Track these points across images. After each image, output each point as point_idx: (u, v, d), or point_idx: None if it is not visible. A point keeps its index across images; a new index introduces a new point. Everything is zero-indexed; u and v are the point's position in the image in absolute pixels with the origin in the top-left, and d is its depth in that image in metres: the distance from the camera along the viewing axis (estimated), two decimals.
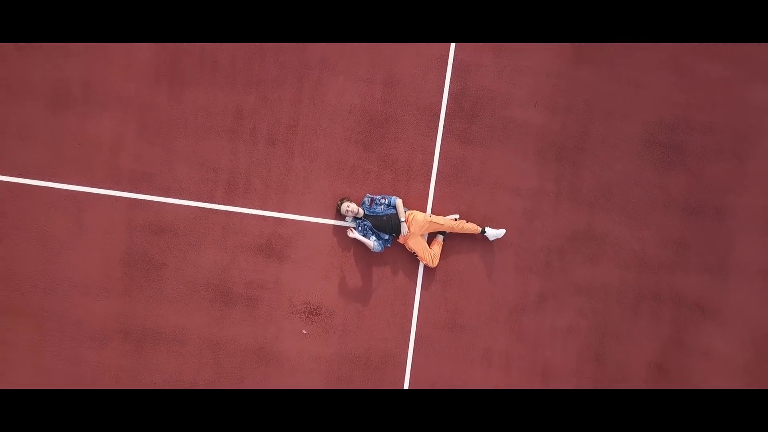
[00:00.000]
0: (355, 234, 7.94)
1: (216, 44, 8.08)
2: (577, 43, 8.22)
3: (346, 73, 8.19)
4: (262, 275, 8.18)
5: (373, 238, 7.98)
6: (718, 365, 8.45)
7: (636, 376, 8.42)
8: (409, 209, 8.13)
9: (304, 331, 8.24)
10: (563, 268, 8.35)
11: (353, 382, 8.26)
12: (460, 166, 8.27)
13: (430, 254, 8.15)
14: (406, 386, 8.31)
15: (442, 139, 8.25)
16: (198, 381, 8.21)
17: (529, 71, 8.27)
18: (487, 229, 8.20)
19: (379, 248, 7.99)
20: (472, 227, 8.15)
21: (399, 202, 8.00)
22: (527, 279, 8.34)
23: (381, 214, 7.99)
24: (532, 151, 8.29)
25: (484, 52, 8.24)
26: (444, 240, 8.27)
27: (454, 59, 8.23)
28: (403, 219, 7.94)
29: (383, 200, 8.04)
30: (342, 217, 8.18)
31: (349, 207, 7.95)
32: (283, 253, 8.18)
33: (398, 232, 7.99)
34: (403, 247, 8.20)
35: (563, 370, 8.40)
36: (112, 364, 8.18)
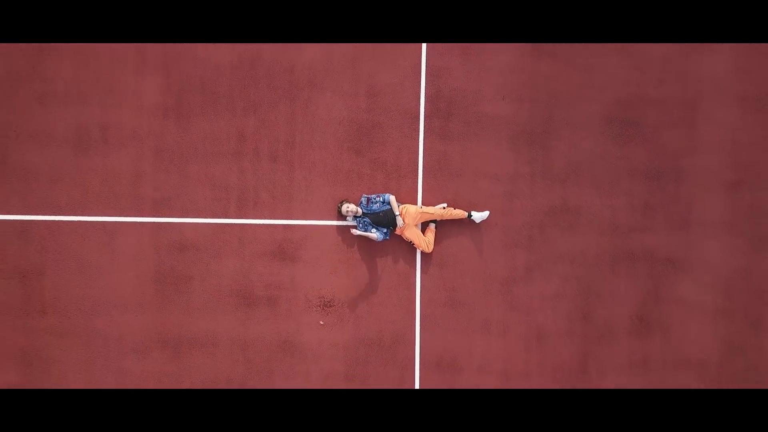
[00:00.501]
0: (358, 231, 8.93)
1: (214, 75, 9.06)
2: (534, 48, 9.21)
3: (332, 89, 9.17)
4: (278, 277, 9.18)
5: (374, 230, 8.98)
6: (692, 311, 9.45)
7: (621, 329, 9.42)
8: (402, 203, 9.12)
9: (321, 322, 9.24)
10: (545, 240, 9.34)
11: (369, 363, 9.26)
12: (443, 160, 9.26)
13: (425, 241, 9.15)
14: (416, 361, 9.31)
15: (423, 138, 9.24)
16: (232, 377, 9.22)
17: (494, 69, 9.25)
18: (472, 213, 9.19)
19: (382, 237, 8.99)
20: (460, 213, 9.15)
21: (392, 198, 8.99)
22: (514, 253, 9.34)
23: (378, 210, 8.98)
24: (505, 140, 9.28)
25: (453, 56, 9.22)
26: (436, 227, 9.27)
27: (426, 66, 9.21)
28: (397, 213, 8.94)
29: (378, 198, 9.03)
30: (343, 218, 9.17)
31: (349, 208, 8.94)
32: (294, 255, 9.18)
33: (395, 224, 8.98)
34: (401, 238, 9.19)
35: (555, 331, 9.40)
36: (155, 371, 9.18)
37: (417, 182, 9.26)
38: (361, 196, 9.13)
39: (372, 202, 9.03)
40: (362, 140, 9.21)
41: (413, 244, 9.13)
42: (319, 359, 9.25)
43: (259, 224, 9.16)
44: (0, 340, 9.03)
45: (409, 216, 8.99)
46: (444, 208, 9.19)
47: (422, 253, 9.28)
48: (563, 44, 9.23)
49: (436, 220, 9.22)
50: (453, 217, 9.14)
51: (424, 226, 9.31)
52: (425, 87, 9.21)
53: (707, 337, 9.49)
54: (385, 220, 8.97)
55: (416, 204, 9.25)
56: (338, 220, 9.22)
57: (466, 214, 9.17)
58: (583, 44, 9.26)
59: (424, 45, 9.17)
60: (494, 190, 9.30)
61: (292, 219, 9.17)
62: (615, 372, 9.42)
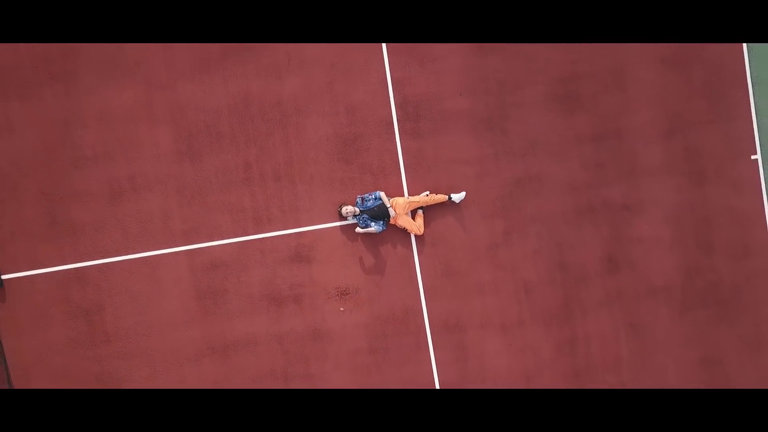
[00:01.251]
0: (360, 230, 10.55)
1: (214, 117, 10.67)
2: (480, 47, 10.80)
3: (315, 112, 10.79)
4: (299, 277, 10.82)
5: (373, 224, 10.60)
6: (651, 245, 11.08)
7: (593, 270, 11.05)
8: (391, 197, 10.74)
9: (341, 309, 10.88)
10: (516, 207, 10.97)
11: (387, 335, 10.90)
12: (419, 155, 10.88)
13: (416, 226, 10.78)
14: (427, 327, 10.94)
15: (400, 140, 10.86)
16: (275, 368, 10.86)
17: (449, 72, 10.87)
18: (452, 195, 10.82)
19: (380, 228, 10.61)
20: (441, 197, 10.78)
21: (382, 194, 10.61)
22: (492, 223, 10.97)
23: (372, 206, 10.60)
24: (468, 129, 10.90)
25: (412, 67, 10.83)
26: (423, 213, 10.90)
27: (391, 79, 10.82)
28: (388, 205, 10.56)
29: (370, 196, 10.65)
30: (344, 218, 10.79)
31: (347, 209, 10.57)
32: (309, 256, 10.82)
33: (388, 216, 10.61)
34: (396, 228, 10.82)
35: (539, 282, 11.03)
36: (210, 374, 10.82)
37: (401, 177, 10.88)
38: (356, 197, 10.74)
39: (366, 200, 10.64)
40: (348, 150, 10.83)
41: (407, 230, 10.76)
42: (345, 340, 10.89)
43: (275, 236, 10.79)
44: (76, 370, 10.66)
45: (399, 206, 10.62)
46: (427, 195, 10.80)
47: (416, 236, 10.90)
48: (504, 47, 10.84)
49: (422, 206, 10.84)
50: (436, 202, 10.77)
51: (414, 214, 10.93)
52: (393, 97, 10.83)
53: (668, 266, 11.12)
54: (380, 213, 10.59)
55: (403, 195, 10.87)
56: (340, 221, 10.84)
57: (447, 197, 10.80)
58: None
59: (387, 63, 10.78)
60: (466, 172, 10.92)
61: (301, 227, 10.80)
62: (595, 309, 11.06)
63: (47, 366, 10.60)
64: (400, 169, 10.88)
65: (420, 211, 10.88)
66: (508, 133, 10.93)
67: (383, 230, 10.69)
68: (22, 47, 10.45)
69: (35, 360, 10.58)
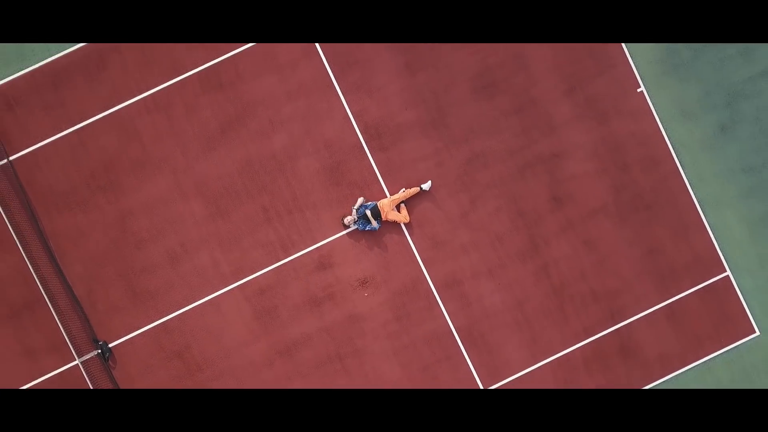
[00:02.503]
0: (361, 228, 13.72)
1: (229, 181, 13.83)
2: (405, 60, 13.93)
3: (302, 155, 13.96)
4: (327, 280, 13.99)
5: (369, 225, 13.77)
6: (583, 178, 14.19)
7: (545, 210, 14.17)
8: (378, 200, 13.89)
9: (365, 294, 14.05)
10: (473, 180, 14.12)
11: (405, 304, 14.06)
12: (389, 163, 14.04)
13: (402, 217, 13.92)
14: (433, 289, 14.10)
15: (371, 156, 14.01)
16: (329, 353, 14.03)
17: (391, 94, 14.01)
18: (422, 185, 13.96)
19: (378, 225, 13.76)
20: (414, 190, 13.93)
21: (361, 200, 13.77)
22: (458, 197, 14.12)
23: (364, 212, 13.76)
24: (420, 133, 14.05)
25: (363, 99, 13.98)
26: (405, 205, 14.06)
27: (351, 113, 13.97)
28: (378, 205, 13.71)
29: (361, 202, 13.81)
30: (347, 227, 13.94)
31: (348, 219, 13.72)
32: (330, 263, 13.99)
33: (380, 215, 13.76)
34: (389, 224, 13.96)
35: (506, 231, 14.16)
36: (282, 372, 14.00)
37: (380, 184, 14.04)
38: (352, 208, 13.91)
39: (362, 208, 13.80)
40: (335, 175, 13.99)
41: (397, 222, 13.91)
42: (374, 316, 14.07)
43: (300, 255, 13.97)
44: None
45: (385, 205, 13.78)
46: (403, 191, 13.96)
47: (405, 224, 14.06)
48: (422, 54, 13.98)
49: (403, 201, 14.00)
50: (412, 194, 13.93)
51: (398, 208, 14.09)
52: (357, 125, 13.98)
53: (599, 190, 14.23)
54: (373, 214, 13.75)
55: (386, 197, 14.03)
56: (345, 230, 14.00)
57: (419, 188, 13.95)
58: (438, 49, 14.01)
59: (345, 102, 13.94)
60: (428, 165, 14.08)
61: (318, 242, 13.98)
62: (554, 238, 14.19)
63: None
64: (377, 177, 14.04)
65: (402, 205, 14.04)
66: (450, 127, 14.08)
67: (379, 227, 13.86)
68: (73, 170, 13.67)
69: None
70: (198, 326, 13.92)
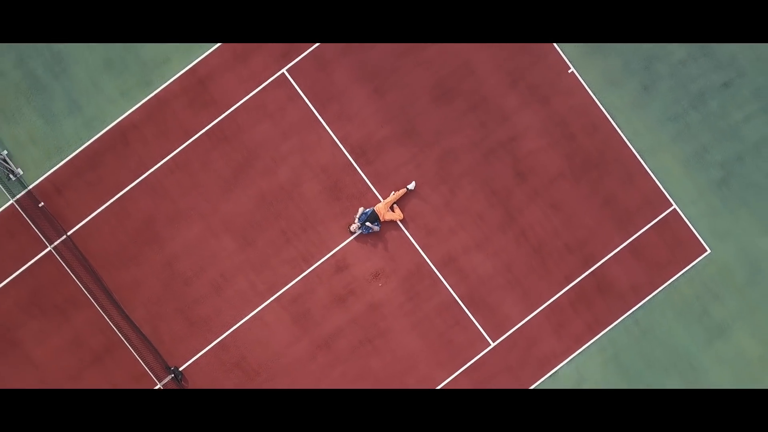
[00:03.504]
0: (367, 231, 16.50)
1: (249, 213, 16.61)
2: (373, 86, 16.63)
3: (305, 181, 16.71)
4: (346, 279, 16.77)
5: (371, 228, 16.53)
6: (538, 153, 16.89)
7: (512, 185, 16.88)
8: (374, 206, 16.64)
9: (380, 285, 16.82)
10: (448, 174, 16.85)
11: (413, 287, 16.82)
12: (377, 174, 16.78)
13: (397, 215, 16.66)
14: (434, 269, 16.85)
15: (361, 171, 16.76)
16: (361, 338, 16.79)
17: (367, 116, 16.73)
18: (408, 186, 16.71)
19: (378, 227, 16.52)
20: (402, 191, 16.67)
21: (360, 209, 16.54)
22: (439, 190, 16.85)
23: (365, 218, 16.53)
24: (397, 144, 16.78)
25: (345, 126, 16.72)
26: (397, 205, 16.80)
27: (337, 138, 16.71)
28: (374, 210, 16.47)
29: (362, 210, 16.57)
30: (353, 233, 16.71)
31: (353, 226, 16.49)
32: (345, 264, 16.77)
33: (378, 218, 16.51)
34: (386, 223, 16.72)
35: (485, 209, 16.89)
36: (325, 363, 16.78)
37: (373, 192, 16.81)
38: (353, 216, 16.67)
39: (362, 215, 16.56)
40: (335, 192, 16.76)
41: (393, 220, 16.66)
42: (391, 301, 16.85)
43: (320, 263, 16.75)
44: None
45: (381, 209, 16.52)
46: (394, 194, 16.70)
47: (400, 221, 16.80)
48: (391, 80, 16.69)
49: (395, 202, 16.74)
50: (400, 195, 16.67)
51: (392, 209, 16.84)
52: (344, 148, 16.73)
53: (555, 159, 16.92)
54: (372, 218, 16.50)
55: (380, 201, 16.78)
56: (351, 236, 16.76)
57: (405, 189, 16.70)
58: (398, 71, 16.71)
59: (330, 132, 16.69)
60: (409, 169, 16.82)
61: (332, 250, 16.75)
62: (525, 207, 16.89)
63: None
64: (370, 187, 16.80)
65: (395, 205, 16.79)
66: (420, 133, 16.82)
67: (379, 228, 16.63)
68: (120, 232, 16.48)
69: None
70: (248, 339, 16.73)
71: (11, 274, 16.50)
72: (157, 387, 16.56)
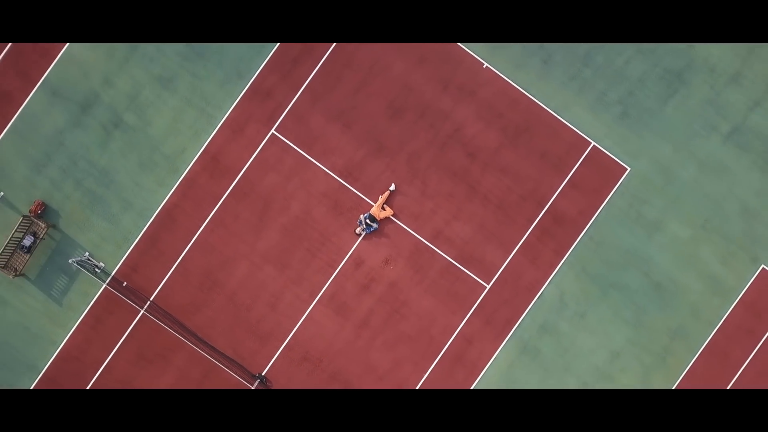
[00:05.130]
0: (369, 230, 21.46)
1: (278, 243, 21.62)
2: (342, 122, 21.55)
3: (313, 207, 21.66)
4: (365, 270, 21.72)
5: (372, 227, 21.48)
6: (478, 135, 21.80)
7: (467, 163, 21.77)
8: (370, 210, 21.57)
9: (391, 267, 21.78)
10: (417, 169, 21.76)
11: (417, 261, 21.75)
12: (364, 186, 21.71)
13: (388, 212, 21.59)
14: (431, 245, 21.79)
15: (352, 188, 21.70)
16: (389, 311, 21.75)
17: (342, 146, 21.67)
18: (390, 188, 21.64)
19: (377, 226, 21.48)
20: (387, 193, 21.59)
21: (361, 216, 21.50)
22: (414, 183, 21.78)
23: (366, 219, 21.48)
24: (373, 159, 21.70)
25: (330, 157, 21.65)
26: (386, 204, 21.75)
27: (327, 168, 21.65)
28: (371, 213, 21.42)
29: (362, 216, 21.53)
30: (359, 235, 21.66)
31: (359, 229, 21.47)
32: (361, 260, 21.73)
33: (375, 219, 21.45)
34: (383, 221, 21.64)
35: (452, 189, 21.78)
36: (367, 338, 21.74)
37: (366, 200, 21.75)
38: (357, 221, 21.62)
39: (364, 218, 21.51)
40: (338, 209, 21.71)
41: (387, 216, 21.60)
42: (403, 278, 21.80)
43: (342, 265, 21.71)
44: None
45: (375, 210, 21.45)
46: (381, 197, 21.63)
47: (393, 216, 21.73)
48: (353, 114, 21.62)
49: (384, 203, 21.67)
50: (387, 196, 21.61)
51: (384, 208, 21.77)
52: (334, 174, 21.68)
53: (493, 136, 21.81)
54: (371, 219, 21.45)
55: (373, 205, 21.70)
56: (359, 238, 21.71)
57: (389, 190, 21.64)
58: (358, 108, 21.63)
59: (321, 166, 21.65)
60: (387, 175, 21.74)
61: (348, 253, 21.71)
62: (482, 177, 21.77)
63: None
64: (362, 197, 21.75)
65: (385, 205, 21.72)
66: (387, 146, 21.74)
67: (378, 226, 21.58)
68: (189, 287, 21.55)
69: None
70: (306, 337, 21.72)
71: (119, 341, 21.57)
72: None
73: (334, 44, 21.55)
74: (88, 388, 21.57)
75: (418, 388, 21.82)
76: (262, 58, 21.51)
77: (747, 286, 21.78)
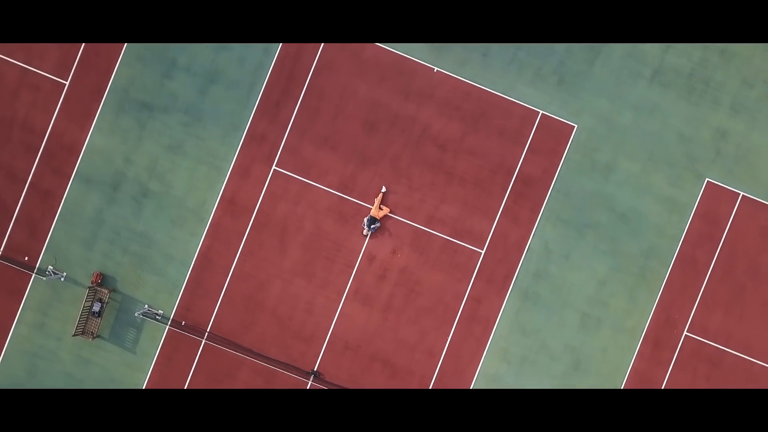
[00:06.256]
0: (373, 230, 25.33)
1: (303, 258, 25.52)
2: (329, 146, 25.38)
3: (323, 222, 25.54)
4: (377, 264, 25.57)
5: (374, 226, 25.35)
6: (443, 129, 25.62)
7: (439, 155, 25.59)
8: (369, 212, 25.41)
9: (399, 255, 25.64)
10: (400, 169, 25.60)
11: (419, 245, 25.60)
12: (361, 193, 25.55)
13: (386, 211, 25.45)
14: (425, 228, 25.64)
15: (351, 198, 25.56)
16: (407, 291, 25.61)
17: (334, 167, 25.52)
18: (382, 191, 25.49)
19: (378, 225, 25.34)
20: (380, 196, 25.45)
21: (364, 219, 25.36)
22: (400, 182, 25.61)
23: (367, 222, 25.35)
24: (361, 170, 25.55)
25: (327, 178, 25.51)
26: (382, 205, 25.60)
27: (327, 187, 25.51)
28: (372, 215, 25.28)
29: (365, 219, 25.39)
30: (366, 236, 25.51)
31: (365, 231, 25.34)
32: (373, 255, 25.59)
33: (376, 219, 25.31)
34: (383, 219, 25.49)
35: (433, 179, 25.61)
36: (392, 319, 25.62)
37: (364, 205, 25.60)
38: (362, 223, 25.48)
39: (365, 223, 25.38)
40: (343, 218, 25.57)
41: (385, 215, 25.45)
42: (411, 262, 25.65)
43: (358, 263, 25.57)
44: (364, 372, 25.61)
45: (374, 211, 25.31)
46: (376, 199, 25.47)
47: (390, 213, 25.58)
48: (336, 137, 25.47)
49: (380, 204, 25.51)
50: (381, 198, 25.45)
51: (381, 209, 25.61)
52: (332, 190, 25.54)
53: (456, 128, 25.57)
54: (372, 220, 25.33)
55: (371, 208, 25.54)
56: (366, 237, 25.56)
57: (381, 193, 25.47)
58: (339, 132, 25.48)
59: (322, 187, 25.53)
60: (377, 180, 25.56)
61: (360, 252, 25.57)
62: (455, 164, 25.59)
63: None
64: (360, 203, 25.61)
65: (381, 205, 25.57)
66: (370, 157, 25.58)
67: (380, 224, 25.45)
68: (234, 312, 25.52)
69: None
70: (343, 330, 25.61)
71: (190, 371, 25.53)
72: (308, 386, 25.54)
73: (308, 82, 25.36)
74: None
75: (444, 350, 25.67)
76: (249, 109, 25.39)
77: (698, 199, 25.53)
